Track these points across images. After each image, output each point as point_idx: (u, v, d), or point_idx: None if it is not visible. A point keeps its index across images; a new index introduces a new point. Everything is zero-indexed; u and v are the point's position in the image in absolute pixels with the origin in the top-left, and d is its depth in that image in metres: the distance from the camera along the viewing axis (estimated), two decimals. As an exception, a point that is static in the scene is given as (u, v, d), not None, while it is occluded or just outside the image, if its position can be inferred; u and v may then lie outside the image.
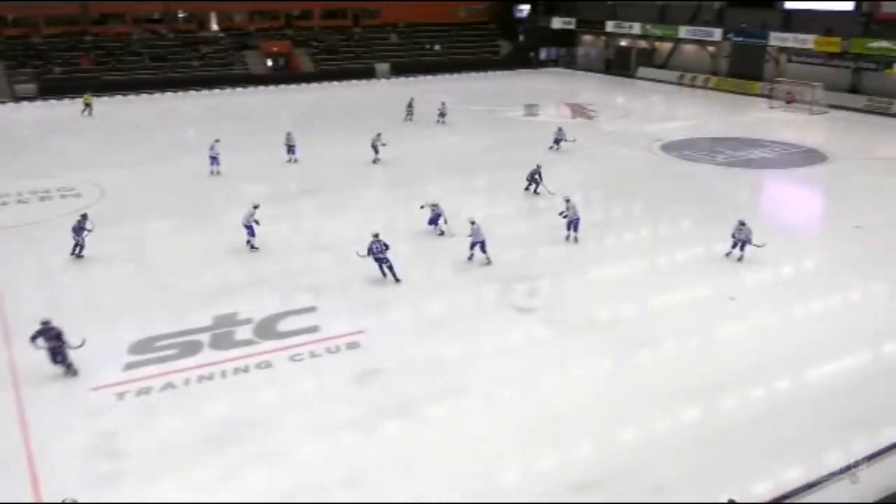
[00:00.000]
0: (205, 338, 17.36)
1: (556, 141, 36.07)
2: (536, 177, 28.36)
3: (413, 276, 21.00)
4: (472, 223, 21.67)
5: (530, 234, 24.39)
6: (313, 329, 17.67)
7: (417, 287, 20.41)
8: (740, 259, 21.85)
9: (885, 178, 31.77)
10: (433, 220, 24.02)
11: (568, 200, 23.65)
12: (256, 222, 22.78)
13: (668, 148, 37.28)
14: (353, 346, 17.05)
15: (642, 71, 64.66)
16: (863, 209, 27.24)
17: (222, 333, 17.54)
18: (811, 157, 35.70)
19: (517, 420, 14.21)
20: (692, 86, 59.29)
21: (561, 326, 17.96)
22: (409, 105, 43.65)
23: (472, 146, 37.11)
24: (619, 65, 67.70)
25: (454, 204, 25.53)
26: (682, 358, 16.57)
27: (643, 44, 65.19)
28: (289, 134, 33.80)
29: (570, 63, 71.74)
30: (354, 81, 60.96)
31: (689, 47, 61.66)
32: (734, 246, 22.07)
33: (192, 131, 41.39)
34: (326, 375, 15.83)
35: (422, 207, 24.59)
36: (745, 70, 56.89)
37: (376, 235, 20.40)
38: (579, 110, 48.28)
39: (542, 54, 71.97)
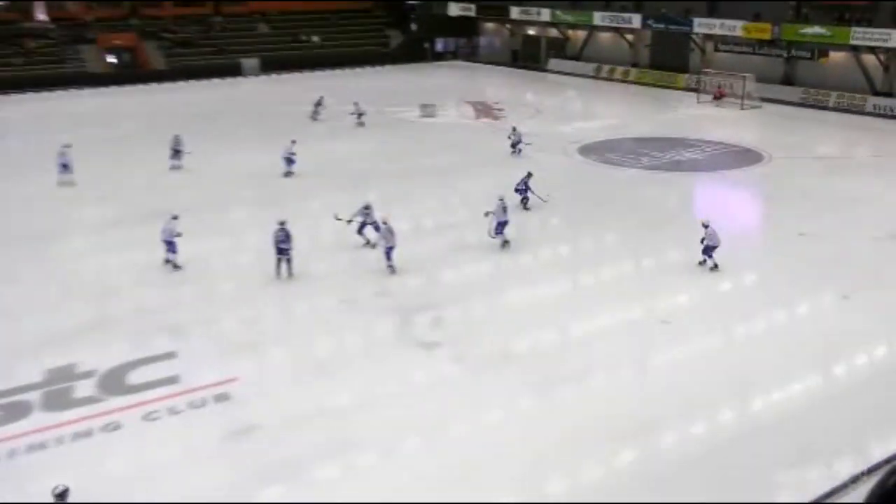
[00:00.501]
0: (34, 397, 16.72)
1: (514, 145, 36.48)
2: (525, 186, 28.52)
3: (294, 310, 20.80)
4: (384, 223, 22.84)
5: (432, 254, 24.46)
6: (173, 380, 17.26)
7: (299, 322, 20.20)
8: (714, 268, 22.69)
9: (825, 178, 33.48)
10: (360, 230, 24.66)
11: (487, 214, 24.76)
12: (178, 235, 23.04)
13: (587, 151, 38.26)
14: (222, 398, 16.67)
15: (554, 63, 66.19)
16: (805, 213, 28.54)
17: (57, 391, 16.95)
18: (746, 157, 37.27)
19: (424, 476, 14.08)
20: (610, 79, 61.08)
21: (471, 362, 18.02)
22: (318, 104, 44.78)
23: (359, 152, 37.33)
24: (528, 56, 69.09)
25: (340, 226, 25.52)
26: (613, 393, 16.76)
27: (554, 32, 66.54)
28: (177, 137, 34.95)
29: (470, 55, 72.93)
30: (217, 80, 60.26)
31: (605, 36, 63.52)
32: (705, 253, 22.80)
33: (15, 142, 40.16)
34: (190, 436, 15.40)
35: (339, 219, 24.92)
36: (668, 61, 59.17)
37: (282, 223, 22.01)
38: (484, 110, 49.06)
39: (439, 45, 73.05)
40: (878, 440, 14.86)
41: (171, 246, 23.22)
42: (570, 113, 48.14)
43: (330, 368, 17.82)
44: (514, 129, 37.01)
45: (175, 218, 23.49)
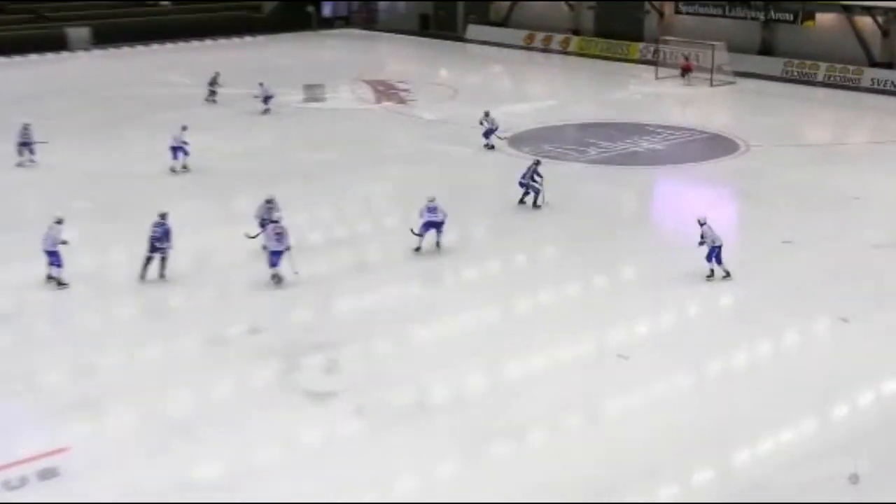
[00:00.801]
0: None
1: (487, 134, 36.73)
2: (535, 178, 29.03)
3: (144, 353, 20.40)
4: (275, 221, 23.91)
5: (323, 278, 24.19)
6: (-21, 454, 16.70)
7: (150, 369, 19.80)
8: (727, 276, 23.42)
9: (814, 171, 34.33)
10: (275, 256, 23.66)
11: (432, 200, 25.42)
12: (63, 242, 23.41)
13: (519, 142, 38.33)
14: (48, 474, 16.14)
15: (474, 31, 66.56)
16: (791, 216, 29.12)
17: None
18: (717, 145, 37.75)
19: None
20: (546, 50, 61.63)
21: (378, 415, 17.85)
22: (213, 82, 45.23)
23: (221, 150, 36.84)
24: (441, 23, 69.45)
25: (206, 240, 25.20)
26: (558, 452, 16.64)
27: None
28: (26, 126, 34.99)
29: (368, 22, 72.99)
30: (34, 56, 58.81)
31: (539, -4, 64.43)
32: (711, 259, 23.42)
33: None
34: (5, 528, 14.95)
35: (251, 237, 24.77)
36: (618, 27, 59.91)
37: (162, 216, 23.58)
38: (386, 91, 49.04)
39: (326, 10, 73.18)
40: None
41: (53, 257, 23.38)
42: (497, 94, 48.27)
43: (192, 431, 17.45)
44: (487, 115, 37.09)
45: (59, 222, 23.63)
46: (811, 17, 52.54)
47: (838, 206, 30.08)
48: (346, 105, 46.13)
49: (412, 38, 68.22)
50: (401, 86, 50.08)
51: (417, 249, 25.35)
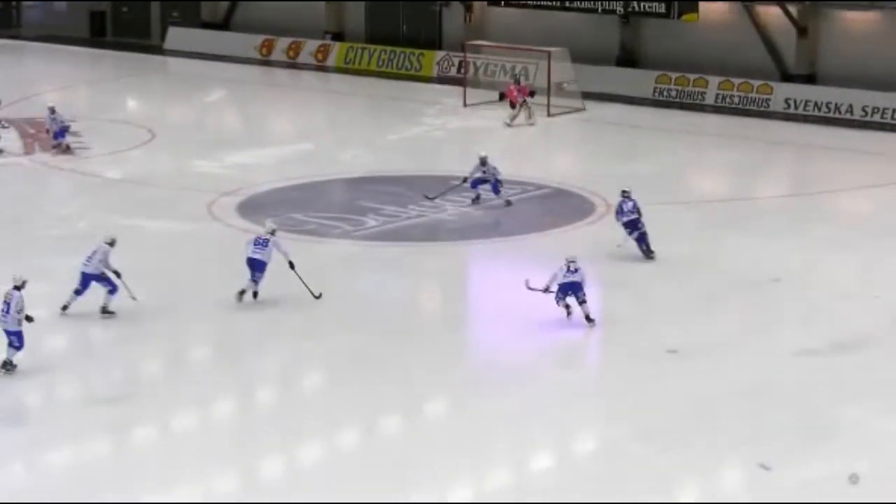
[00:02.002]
0: None
1: (495, 188, 37.71)
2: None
3: None
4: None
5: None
6: None
7: None
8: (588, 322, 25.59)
9: (708, 242, 35.25)
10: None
11: None
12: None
13: (254, 209, 38.23)
14: None
15: (177, 36, 67.09)
16: (677, 313, 29.64)
17: None
18: (561, 206, 38.48)
19: None
20: (294, 65, 62.10)
21: None
22: None
23: None
24: (126, 26, 70.00)
25: None
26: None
27: None
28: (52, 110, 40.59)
29: (5, 26, 72.77)
30: None
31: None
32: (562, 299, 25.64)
33: None
34: None
35: None
36: (404, 29, 60.91)
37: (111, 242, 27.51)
38: (34, 136, 48.30)
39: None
40: None
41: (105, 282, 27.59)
42: (219, 134, 47.75)
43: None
44: (484, 162, 37.50)
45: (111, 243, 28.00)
46: (693, 8, 53.01)
47: (746, 294, 30.53)
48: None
49: (80, 48, 68.05)
50: (62, 125, 47.27)
51: None
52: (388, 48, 60.22)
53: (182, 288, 31.19)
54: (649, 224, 33.18)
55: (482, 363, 27.03)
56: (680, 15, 53.57)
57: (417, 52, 59.38)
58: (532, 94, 50.36)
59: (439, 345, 28.18)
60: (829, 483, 21.01)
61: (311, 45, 62.71)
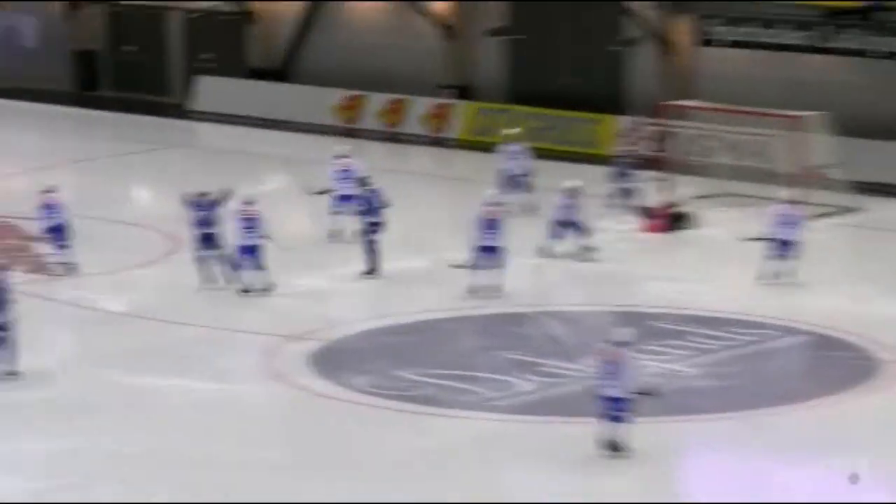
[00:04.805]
0: None
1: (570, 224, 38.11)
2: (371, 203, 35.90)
3: None
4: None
5: None
6: None
7: None
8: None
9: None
10: None
11: None
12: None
13: (338, 363, 32.58)
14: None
15: (209, 88, 61.50)
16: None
17: None
18: (827, 362, 32.02)
19: None
20: (393, 135, 56.71)
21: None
22: None
23: None
24: (129, 75, 65.40)
25: None
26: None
27: (225, 6, 62.59)
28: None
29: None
30: None
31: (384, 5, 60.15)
32: None
33: None
34: None
35: None
36: (564, 83, 55.15)
37: None
38: (17, 249, 41.67)
39: None
40: None
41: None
42: (278, 244, 39.73)
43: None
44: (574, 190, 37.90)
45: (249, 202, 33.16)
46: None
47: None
48: None
49: (61, 108, 62.35)
50: (20, 238, 42.67)
51: None
52: (543, 112, 52.31)
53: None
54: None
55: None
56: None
57: (589, 116, 51.02)
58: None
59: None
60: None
61: (420, 104, 55.06)
